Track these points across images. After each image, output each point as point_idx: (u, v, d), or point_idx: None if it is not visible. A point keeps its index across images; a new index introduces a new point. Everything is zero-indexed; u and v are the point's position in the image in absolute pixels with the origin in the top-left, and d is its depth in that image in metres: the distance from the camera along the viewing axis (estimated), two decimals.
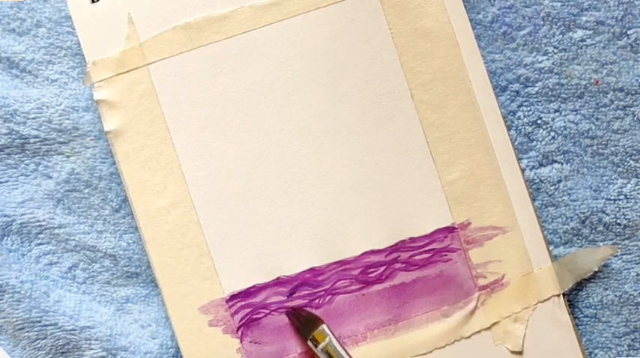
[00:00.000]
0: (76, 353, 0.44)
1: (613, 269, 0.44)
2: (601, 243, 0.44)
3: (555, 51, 0.44)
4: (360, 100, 0.44)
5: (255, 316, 0.44)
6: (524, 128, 0.44)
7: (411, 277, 0.44)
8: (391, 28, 0.44)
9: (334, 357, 0.41)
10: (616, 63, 0.44)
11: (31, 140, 0.45)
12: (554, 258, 0.44)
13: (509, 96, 0.44)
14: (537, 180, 0.44)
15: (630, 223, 0.44)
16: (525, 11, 0.44)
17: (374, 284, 0.44)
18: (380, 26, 0.44)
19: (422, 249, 0.44)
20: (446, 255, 0.44)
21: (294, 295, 0.44)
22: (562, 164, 0.44)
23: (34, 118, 0.44)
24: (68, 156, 0.45)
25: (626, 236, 0.44)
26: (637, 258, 0.44)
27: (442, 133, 0.44)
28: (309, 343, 0.42)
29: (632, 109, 0.44)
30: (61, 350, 0.44)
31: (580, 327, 0.44)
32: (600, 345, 0.44)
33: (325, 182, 0.44)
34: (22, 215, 0.44)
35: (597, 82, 0.44)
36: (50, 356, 0.44)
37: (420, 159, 0.44)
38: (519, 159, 0.44)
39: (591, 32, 0.44)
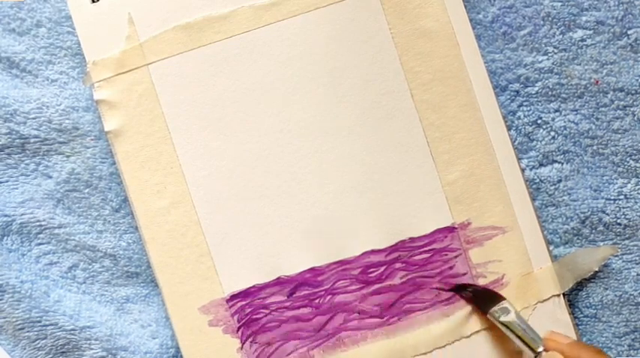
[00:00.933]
0: (76, 353, 0.44)
1: (613, 269, 0.44)
2: (601, 243, 0.44)
3: (555, 51, 0.44)
4: (360, 100, 0.44)
5: (255, 316, 0.44)
6: (524, 128, 0.44)
7: (411, 277, 0.44)
8: (391, 28, 0.44)
9: (516, 331, 0.41)
10: (616, 63, 0.44)
11: (31, 140, 0.45)
12: (554, 257, 0.44)
13: (509, 96, 0.44)
14: (537, 180, 0.44)
15: (630, 223, 0.44)
16: (525, 11, 0.44)
17: (374, 284, 0.44)
18: (380, 26, 0.44)
19: (422, 249, 0.44)
20: (446, 255, 0.44)
21: (294, 295, 0.44)
22: (562, 164, 0.44)
23: (34, 118, 0.44)
24: (68, 156, 0.45)
25: (626, 236, 0.44)
26: (637, 258, 0.44)
27: (442, 133, 0.44)
28: (490, 316, 0.42)
29: (632, 109, 0.44)
30: (61, 350, 0.44)
31: (580, 327, 0.44)
32: (600, 345, 0.44)
33: (325, 182, 0.44)
34: (22, 215, 0.45)
35: (597, 82, 0.44)
36: (50, 356, 0.44)
37: (420, 159, 0.44)
38: (519, 159, 0.44)
39: (591, 32, 0.44)
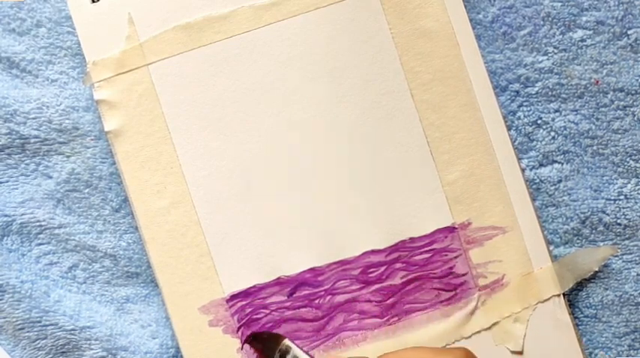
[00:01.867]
0: (76, 353, 0.44)
1: (613, 269, 0.44)
2: (601, 243, 0.44)
3: (555, 51, 0.44)
4: (360, 100, 0.44)
5: (255, 316, 0.44)
6: (525, 128, 0.44)
7: (411, 277, 0.44)
8: (391, 28, 0.44)
9: None
10: (616, 63, 0.44)
11: (31, 140, 0.45)
12: (554, 258, 0.44)
13: (509, 96, 0.44)
14: (537, 180, 0.44)
15: (630, 223, 0.44)
16: (525, 11, 0.44)
17: (374, 284, 0.44)
18: (380, 26, 0.44)
19: (422, 249, 0.44)
20: (446, 255, 0.44)
21: (294, 295, 0.44)
22: (562, 164, 0.44)
23: (34, 118, 0.44)
24: (68, 156, 0.45)
25: (626, 236, 0.44)
26: (637, 258, 0.44)
27: (442, 133, 0.44)
28: None
29: (632, 109, 0.44)
30: (61, 350, 0.44)
31: (580, 327, 0.44)
32: (600, 345, 0.44)
33: (325, 182, 0.44)
34: (22, 215, 0.44)
35: (597, 82, 0.44)
36: (50, 356, 0.44)
37: (420, 159, 0.44)
38: (519, 159, 0.44)
39: (591, 32, 0.44)
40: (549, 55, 0.44)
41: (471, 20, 0.44)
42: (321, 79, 0.44)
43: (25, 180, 0.45)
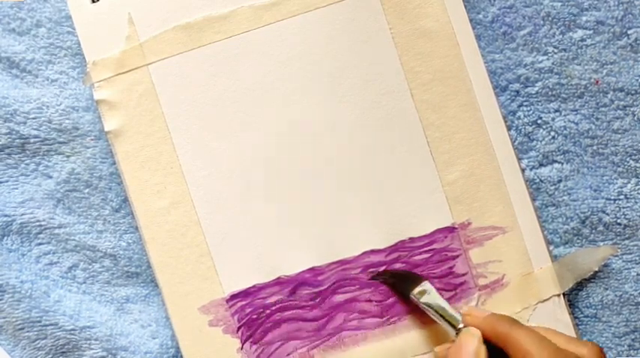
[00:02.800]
0: (76, 353, 0.44)
1: (613, 269, 0.44)
2: (601, 243, 0.44)
3: (555, 51, 0.44)
4: (360, 100, 0.44)
5: (255, 316, 0.44)
6: (524, 128, 0.44)
7: None
8: (391, 28, 0.44)
9: (438, 310, 0.41)
10: (616, 63, 0.44)
11: (31, 140, 0.45)
12: (554, 258, 0.44)
13: (509, 96, 0.44)
14: (537, 180, 0.44)
15: (630, 223, 0.44)
16: (525, 11, 0.44)
17: (374, 284, 0.44)
18: (380, 26, 0.44)
19: (422, 249, 0.44)
20: (446, 255, 0.44)
21: (294, 295, 0.44)
22: (562, 164, 0.44)
23: (34, 118, 0.44)
24: (68, 156, 0.45)
25: (626, 236, 0.44)
26: (637, 258, 0.44)
27: (442, 133, 0.44)
28: (412, 299, 0.42)
29: (632, 109, 0.44)
30: (61, 350, 0.44)
31: (580, 327, 0.44)
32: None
33: (325, 182, 0.44)
34: (22, 215, 0.45)
35: (597, 81, 0.44)
36: (50, 356, 0.44)
37: (420, 159, 0.44)
38: (519, 159, 0.44)
39: (591, 32, 0.44)
40: (549, 54, 0.44)
41: (471, 20, 0.44)
42: (320, 79, 0.44)
43: (25, 180, 0.45)
